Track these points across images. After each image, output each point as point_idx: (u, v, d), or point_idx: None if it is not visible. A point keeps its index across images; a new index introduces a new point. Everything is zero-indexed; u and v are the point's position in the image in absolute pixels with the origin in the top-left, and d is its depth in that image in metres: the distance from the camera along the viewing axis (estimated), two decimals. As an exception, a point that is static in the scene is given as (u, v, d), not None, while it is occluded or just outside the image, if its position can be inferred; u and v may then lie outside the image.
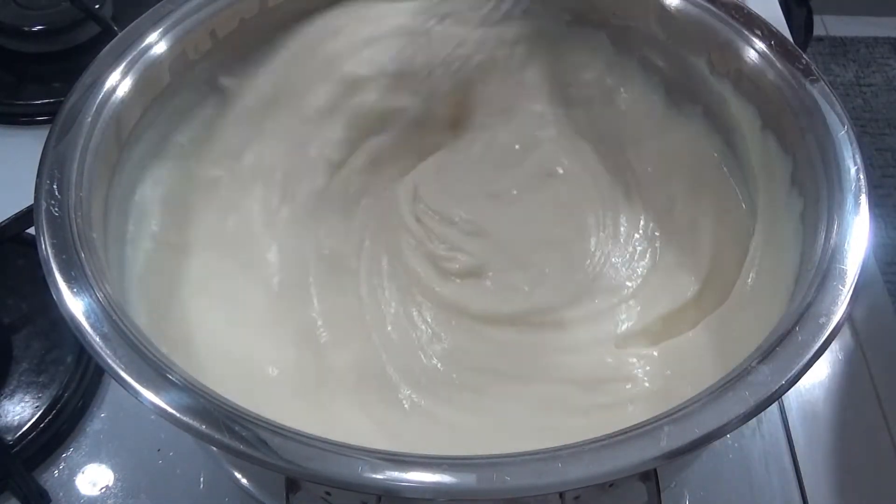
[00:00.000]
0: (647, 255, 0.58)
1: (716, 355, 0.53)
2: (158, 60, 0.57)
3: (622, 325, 0.55)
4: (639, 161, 0.62)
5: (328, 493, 0.43)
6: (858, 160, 0.50)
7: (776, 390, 0.41)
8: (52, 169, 0.49)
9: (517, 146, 0.64)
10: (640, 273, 0.58)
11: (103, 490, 0.59)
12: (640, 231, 0.60)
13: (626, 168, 0.62)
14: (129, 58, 0.56)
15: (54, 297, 0.44)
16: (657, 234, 0.59)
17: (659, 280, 0.57)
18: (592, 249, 0.59)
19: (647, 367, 0.53)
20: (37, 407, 0.61)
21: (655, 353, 0.54)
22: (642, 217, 0.60)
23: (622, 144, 0.63)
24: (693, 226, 0.59)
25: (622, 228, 0.60)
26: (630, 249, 0.59)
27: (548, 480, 0.38)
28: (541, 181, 0.63)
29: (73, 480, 0.60)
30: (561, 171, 0.63)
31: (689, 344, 0.54)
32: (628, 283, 0.57)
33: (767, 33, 0.57)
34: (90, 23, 0.82)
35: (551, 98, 0.65)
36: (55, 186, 0.48)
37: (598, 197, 0.61)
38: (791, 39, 0.56)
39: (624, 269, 0.58)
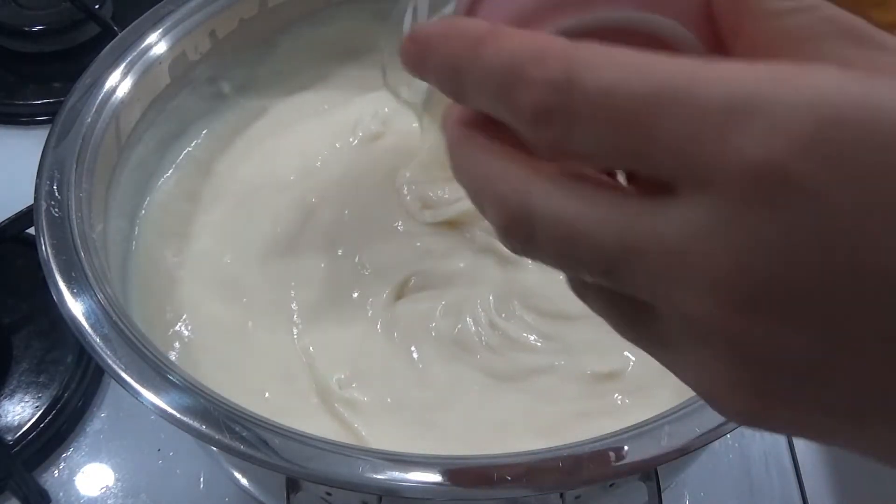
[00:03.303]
0: None
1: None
2: (158, 61, 0.57)
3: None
4: None
5: (329, 493, 0.43)
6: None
7: (776, 390, 0.41)
8: (52, 169, 0.49)
9: None
10: None
11: (103, 490, 0.59)
12: None
13: None
14: (129, 58, 0.56)
15: (55, 298, 0.44)
16: None
17: None
18: None
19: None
20: (37, 407, 0.61)
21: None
22: None
23: None
24: None
25: None
26: None
27: (548, 480, 0.38)
28: None
29: (73, 480, 0.60)
30: None
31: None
32: None
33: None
34: (90, 23, 0.82)
35: None
36: (55, 187, 0.48)
37: None
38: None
39: None
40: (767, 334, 0.20)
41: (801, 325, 0.19)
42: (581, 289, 0.25)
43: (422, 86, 0.55)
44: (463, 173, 0.25)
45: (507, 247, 0.25)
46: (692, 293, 0.20)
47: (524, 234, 0.23)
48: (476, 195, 0.25)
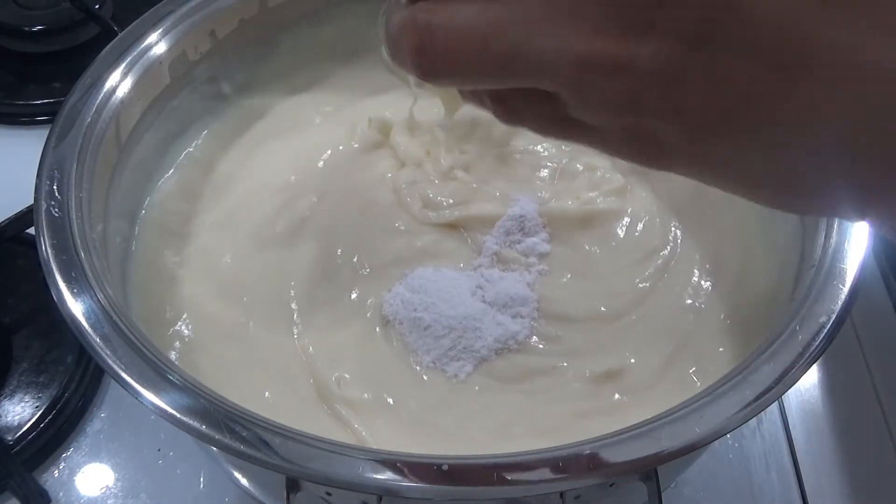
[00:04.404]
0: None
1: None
2: (158, 61, 0.57)
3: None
4: None
5: (329, 494, 0.43)
6: (858, 160, 0.50)
7: (776, 390, 0.41)
8: (52, 169, 0.49)
9: None
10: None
11: (103, 490, 0.59)
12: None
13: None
14: (129, 58, 0.56)
15: (55, 297, 0.44)
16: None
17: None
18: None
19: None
20: (37, 407, 0.61)
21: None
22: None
23: None
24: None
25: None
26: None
27: (548, 480, 0.38)
28: None
29: (73, 480, 0.60)
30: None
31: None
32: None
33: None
34: (90, 23, 0.82)
35: None
36: (55, 187, 0.48)
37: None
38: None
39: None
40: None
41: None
42: (508, 111, 0.33)
43: None
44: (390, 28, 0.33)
45: (419, 71, 0.31)
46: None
47: (429, 47, 0.30)
48: (391, 35, 0.33)
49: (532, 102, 0.31)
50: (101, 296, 0.44)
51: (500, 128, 0.65)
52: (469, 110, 0.62)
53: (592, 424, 0.48)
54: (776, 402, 0.63)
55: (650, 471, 0.41)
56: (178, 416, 0.40)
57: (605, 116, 0.29)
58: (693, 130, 0.27)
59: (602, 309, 0.55)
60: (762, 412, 0.47)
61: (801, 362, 0.42)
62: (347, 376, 0.52)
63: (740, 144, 0.27)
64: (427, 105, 0.61)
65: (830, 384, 0.66)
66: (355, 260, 0.57)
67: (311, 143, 0.64)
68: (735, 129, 0.26)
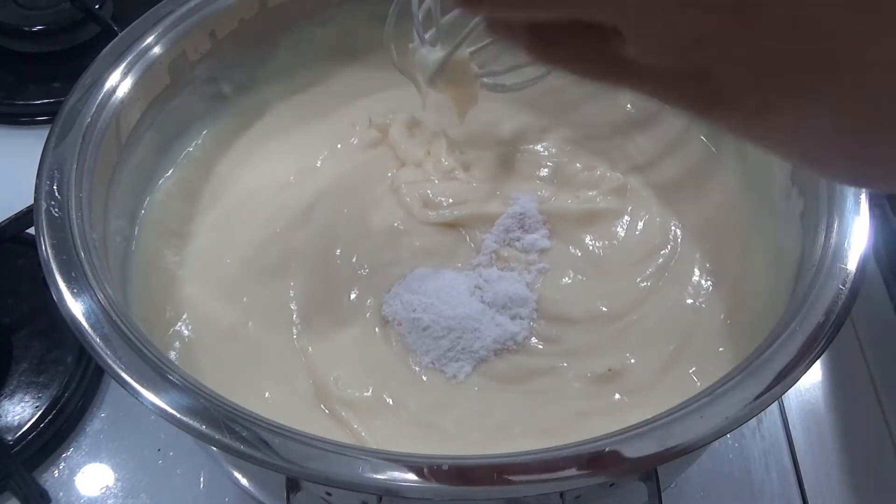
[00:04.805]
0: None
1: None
2: (158, 61, 0.57)
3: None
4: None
5: (329, 494, 0.43)
6: (858, 160, 0.50)
7: (776, 390, 0.41)
8: (51, 169, 0.49)
9: None
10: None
11: (103, 490, 0.59)
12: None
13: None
14: (129, 58, 0.56)
15: (54, 297, 0.44)
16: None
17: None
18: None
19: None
20: (37, 407, 0.61)
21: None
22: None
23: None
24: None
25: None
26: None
27: (548, 480, 0.38)
28: None
29: (73, 480, 0.60)
30: None
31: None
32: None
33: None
34: (90, 23, 0.82)
35: None
36: (55, 187, 0.48)
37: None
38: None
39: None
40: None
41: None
42: (546, 46, 0.30)
43: (429, 63, 0.56)
44: None
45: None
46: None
47: None
48: None
49: (577, 37, 0.28)
50: (101, 296, 0.44)
51: (501, 127, 0.65)
52: (477, 112, 0.62)
53: (592, 424, 0.48)
54: (776, 402, 0.63)
55: (650, 471, 0.41)
56: (178, 416, 0.40)
57: (664, 54, 0.26)
58: (761, 75, 0.25)
59: (602, 309, 0.55)
60: (762, 412, 0.47)
61: (801, 362, 0.42)
62: (347, 376, 0.52)
63: (811, 98, 0.25)
64: (429, 104, 0.61)
65: (830, 384, 0.66)
66: (354, 260, 0.57)
67: (310, 143, 0.65)
68: (811, 80, 0.25)
